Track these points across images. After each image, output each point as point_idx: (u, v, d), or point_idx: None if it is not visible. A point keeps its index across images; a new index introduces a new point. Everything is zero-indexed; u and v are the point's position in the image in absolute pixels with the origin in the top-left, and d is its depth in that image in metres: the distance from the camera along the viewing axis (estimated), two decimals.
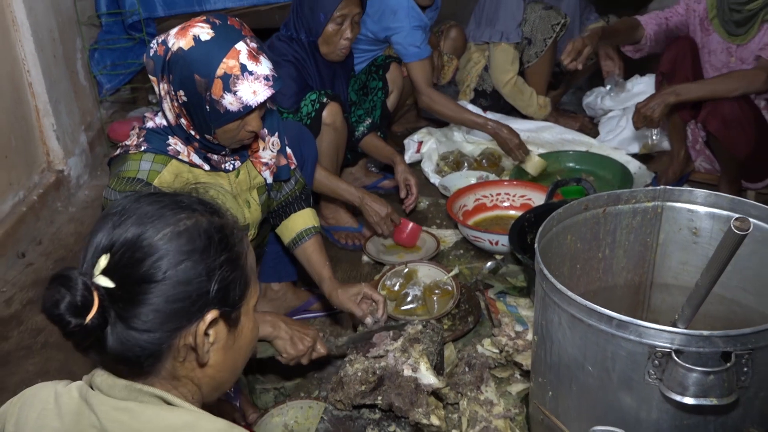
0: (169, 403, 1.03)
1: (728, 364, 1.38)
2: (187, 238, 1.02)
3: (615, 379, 1.50)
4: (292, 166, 2.13)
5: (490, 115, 3.43)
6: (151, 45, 1.78)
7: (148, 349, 1.01)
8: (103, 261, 0.99)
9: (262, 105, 1.77)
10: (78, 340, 0.99)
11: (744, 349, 1.39)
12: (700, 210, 1.85)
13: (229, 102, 1.72)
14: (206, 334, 1.04)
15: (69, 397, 1.06)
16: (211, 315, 1.03)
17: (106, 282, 0.98)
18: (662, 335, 1.41)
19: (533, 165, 3.06)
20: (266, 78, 1.73)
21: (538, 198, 2.84)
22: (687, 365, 1.39)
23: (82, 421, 1.03)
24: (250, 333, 1.14)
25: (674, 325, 1.52)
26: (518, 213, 2.82)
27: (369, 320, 1.99)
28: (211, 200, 1.12)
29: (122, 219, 1.02)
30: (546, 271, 1.58)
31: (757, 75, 2.62)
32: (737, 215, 1.37)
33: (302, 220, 2.15)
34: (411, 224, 2.70)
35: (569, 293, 1.51)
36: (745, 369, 1.42)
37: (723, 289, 1.89)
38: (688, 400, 1.40)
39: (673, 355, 1.40)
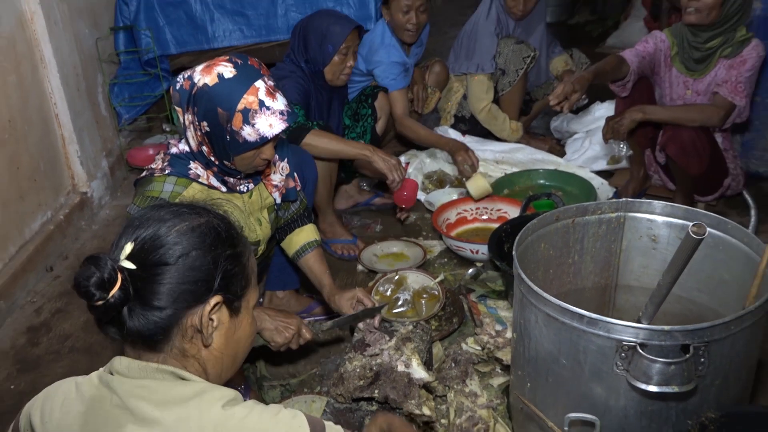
0: (181, 378, 1.06)
1: (687, 356, 1.39)
2: (198, 233, 1.08)
3: (586, 371, 1.50)
4: (298, 188, 2.12)
5: (468, 138, 3.44)
6: (177, 79, 1.78)
7: (160, 323, 1.05)
8: (128, 248, 1.05)
9: (275, 136, 1.78)
10: (101, 313, 1.03)
11: (701, 342, 1.40)
12: (658, 219, 1.86)
13: (248, 133, 1.72)
14: (210, 318, 1.08)
15: (89, 384, 1.09)
16: (215, 299, 1.08)
17: (129, 264, 1.04)
18: (628, 331, 1.42)
19: (475, 186, 2.87)
20: (281, 113, 1.74)
21: (513, 211, 2.84)
22: (651, 357, 1.39)
23: (104, 402, 1.05)
24: (248, 327, 1.18)
25: (639, 322, 1.53)
26: (495, 225, 2.81)
27: (361, 324, 1.98)
28: (222, 210, 1.18)
29: (144, 220, 1.09)
30: (523, 275, 1.58)
31: (715, 112, 2.60)
32: (693, 222, 1.37)
33: (305, 234, 2.14)
34: (408, 181, 2.68)
35: (545, 294, 1.52)
36: (702, 360, 1.42)
37: (680, 289, 1.89)
38: (652, 388, 1.41)
39: (638, 348, 1.40)
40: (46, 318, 2.55)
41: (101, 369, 1.11)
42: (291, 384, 2.11)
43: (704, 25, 2.60)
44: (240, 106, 1.70)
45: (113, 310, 1.02)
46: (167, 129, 3.86)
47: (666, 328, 1.39)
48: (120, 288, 1.01)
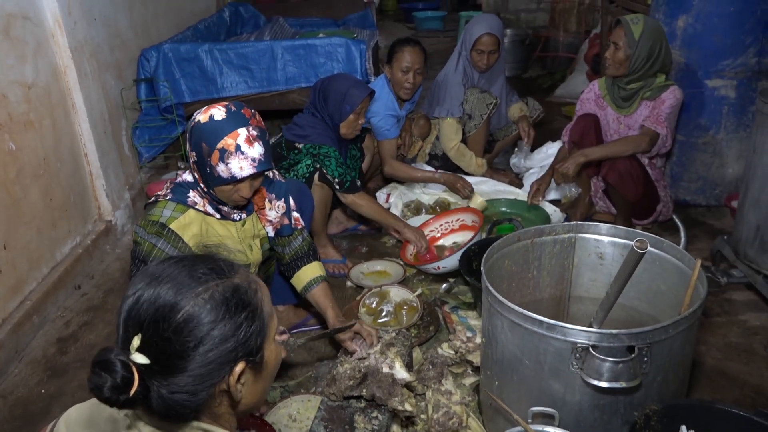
0: None
1: (632, 356, 1.38)
2: (207, 310, 0.90)
3: (546, 370, 1.49)
4: (299, 226, 2.06)
5: (440, 173, 3.44)
6: (192, 117, 1.76)
7: (189, 405, 0.91)
8: (136, 341, 0.88)
9: (256, 176, 1.74)
10: (127, 406, 0.88)
11: (644, 344, 1.39)
12: (604, 239, 1.86)
13: (222, 170, 1.68)
14: (239, 382, 0.95)
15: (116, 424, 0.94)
16: (239, 368, 0.93)
17: (142, 359, 0.87)
18: (582, 334, 1.41)
19: (476, 203, 3.06)
20: (254, 159, 1.69)
21: (468, 218, 2.88)
22: (601, 357, 1.38)
23: None
24: (273, 360, 1.02)
25: (590, 326, 1.51)
26: (459, 234, 2.88)
27: (357, 354, 1.89)
28: (222, 262, 0.98)
29: (141, 296, 0.91)
30: (491, 287, 1.56)
31: (642, 139, 2.65)
32: (636, 239, 1.37)
33: (311, 271, 2.06)
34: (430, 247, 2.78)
35: (509, 303, 1.50)
36: (646, 359, 1.41)
37: (624, 299, 1.88)
38: (604, 384, 1.39)
39: (591, 349, 1.39)
40: (74, 330, 2.47)
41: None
42: (289, 385, 2.06)
43: (620, 76, 2.74)
44: (219, 145, 1.67)
45: (139, 402, 0.87)
46: (182, 166, 3.82)
47: (614, 331, 1.38)
48: (139, 385, 0.85)
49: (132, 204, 3.35)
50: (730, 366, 2.05)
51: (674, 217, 2.07)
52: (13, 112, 2.46)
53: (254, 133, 1.70)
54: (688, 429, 1.37)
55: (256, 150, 1.70)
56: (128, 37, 3.62)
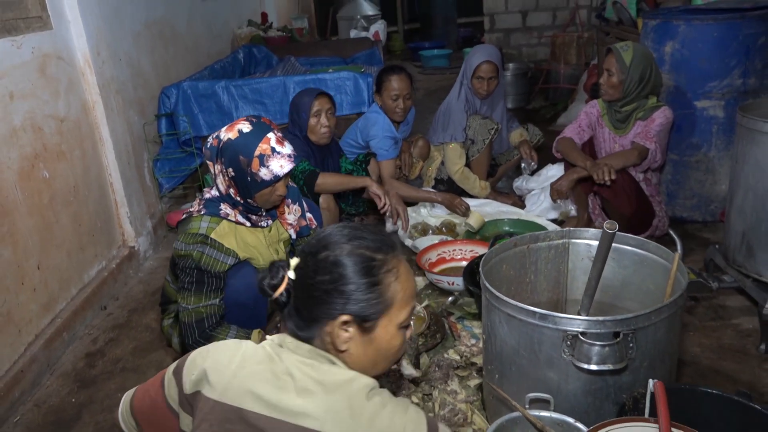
0: (333, 363, 1.13)
1: (618, 339, 1.48)
2: (343, 264, 1.13)
3: (541, 359, 1.58)
4: (313, 226, 2.22)
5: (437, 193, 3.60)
6: (208, 140, 1.92)
7: (306, 320, 1.15)
8: (293, 261, 1.19)
9: (286, 175, 1.91)
10: (276, 305, 1.20)
11: (629, 330, 1.49)
12: (594, 244, 1.94)
13: (264, 173, 1.84)
14: (345, 330, 1.13)
15: (260, 348, 1.17)
16: (344, 317, 1.12)
17: (292, 275, 1.18)
18: (572, 322, 1.51)
19: (474, 219, 3.17)
20: (289, 156, 1.87)
21: (482, 250, 2.95)
22: (589, 342, 1.48)
23: (276, 366, 1.12)
24: (387, 342, 1.16)
25: (578, 315, 1.63)
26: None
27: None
28: (385, 238, 1.19)
29: (318, 240, 1.18)
30: (488, 285, 1.67)
31: (632, 153, 2.78)
32: (606, 222, 1.50)
33: None
34: None
35: (505, 298, 1.60)
36: (631, 345, 1.50)
37: (616, 299, 1.99)
38: (593, 367, 1.49)
39: (580, 336, 1.49)
40: (101, 346, 2.60)
41: (269, 340, 1.19)
42: None
43: (615, 100, 2.88)
44: (257, 153, 1.83)
45: (282, 305, 1.18)
46: (199, 197, 3.98)
47: (600, 318, 1.49)
48: (284, 291, 1.17)
49: (153, 231, 3.51)
50: (724, 365, 2.14)
51: (670, 231, 2.18)
52: (47, 143, 2.65)
53: (279, 134, 1.89)
54: (673, 413, 1.47)
55: (288, 148, 1.88)
56: (150, 76, 3.85)
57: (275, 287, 1.18)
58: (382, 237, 1.19)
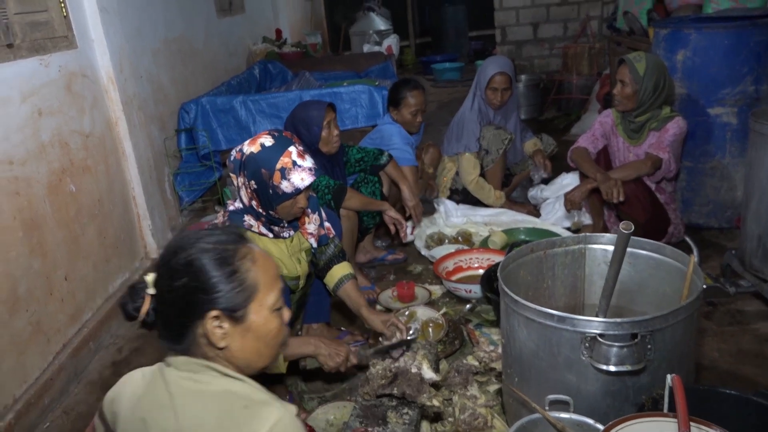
0: (216, 371, 1.12)
1: (636, 341, 1.50)
2: (197, 263, 1.10)
3: (560, 361, 1.60)
4: (331, 235, 2.26)
5: (461, 206, 3.62)
6: (231, 153, 1.97)
7: (177, 331, 1.12)
8: (150, 276, 1.16)
9: (307, 188, 1.95)
10: (147, 327, 1.18)
11: (646, 331, 1.51)
12: (611, 248, 1.94)
13: (285, 186, 1.88)
14: (219, 327, 1.10)
15: (150, 371, 1.18)
16: (213, 313, 1.10)
17: (152, 291, 1.15)
18: (590, 324, 1.53)
19: (499, 237, 3.21)
20: (310, 169, 1.91)
21: (498, 259, 2.97)
22: (608, 343, 1.50)
23: (157, 386, 1.13)
24: (263, 327, 1.15)
25: (597, 317, 1.65)
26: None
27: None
28: (235, 231, 1.18)
29: (167, 248, 1.17)
30: (507, 289, 1.70)
31: (644, 163, 2.80)
32: (622, 222, 1.53)
33: (341, 269, 2.25)
34: (408, 285, 2.83)
35: (523, 301, 1.63)
36: (649, 346, 1.53)
37: (633, 304, 2.01)
38: (611, 368, 1.51)
39: (598, 338, 1.51)
40: (126, 355, 2.66)
41: (161, 363, 1.17)
42: (326, 396, 2.20)
43: (629, 110, 2.90)
44: (279, 166, 1.87)
45: (152, 324, 1.16)
46: (217, 209, 4.05)
47: (618, 320, 1.51)
48: (149, 309, 1.15)
49: None
50: (743, 369, 2.15)
51: (686, 238, 2.19)
52: (74, 158, 2.73)
53: (300, 148, 1.92)
54: (691, 414, 1.49)
55: (309, 161, 1.92)
56: (170, 93, 3.94)
57: (139, 308, 1.15)
58: (227, 230, 1.19)
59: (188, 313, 1.11)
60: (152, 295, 1.14)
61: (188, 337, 1.12)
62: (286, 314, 1.21)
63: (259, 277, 1.14)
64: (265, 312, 1.15)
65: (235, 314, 1.11)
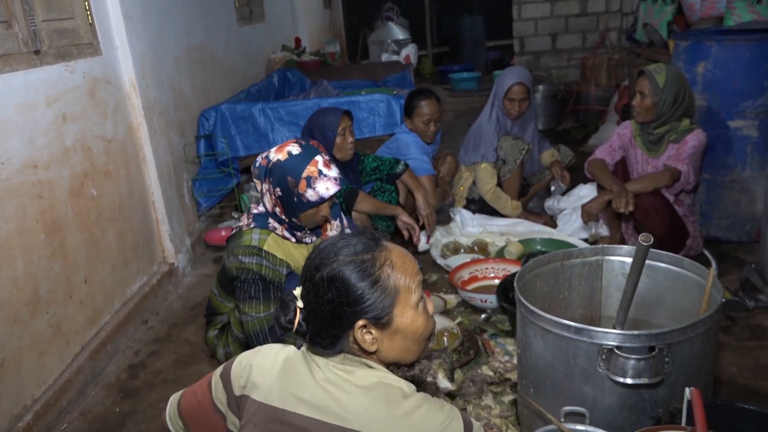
0: (369, 366, 1.19)
1: (653, 354, 1.50)
2: (340, 277, 1.14)
3: (577, 374, 1.59)
4: None
5: (478, 215, 3.62)
6: (257, 160, 1.99)
7: (329, 340, 1.18)
8: (298, 290, 1.23)
9: (332, 197, 1.96)
10: (300, 336, 1.24)
11: (664, 344, 1.51)
12: (628, 260, 1.96)
13: (310, 195, 1.90)
14: (368, 333, 1.16)
15: (302, 355, 1.24)
16: (360, 323, 1.15)
17: (301, 304, 1.22)
18: (607, 336, 1.53)
19: (515, 247, 3.21)
20: (335, 179, 1.93)
21: (514, 269, 2.97)
22: (625, 355, 1.50)
23: (314, 370, 1.19)
24: (409, 327, 1.18)
25: (614, 328, 1.65)
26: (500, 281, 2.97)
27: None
28: (365, 236, 1.22)
29: (309, 264, 1.21)
30: (523, 299, 1.70)
31: (663, 175, 2.78)
32: (641, 234, 1.53)
33: None
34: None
35: (540, 312, 1.64)
36: (667, 359, 1.52)
37: (652, 317, 2.00)
38: (628, 381, 1.51)
39: (615, 350, 1.51)
40: (142, 358, 2.69)
41: (306, 347, 1.23)
42: None
43: (648, 122, 2.88)
44: (305, 174, 1.89)
45: (305, 333, 1.23)
46: (235, 216, 4.09)
47: (635, 332, 1.51)
48: (299, 322, 1.22)
49: (192, 249, 3.61)
50: (761, 384, 2.13)
51: (705, 251, 2.18)
52: (95, 163, 2.78)
53: (327, 157, 1.95)
54: (709, 428, 1.47)
55: (334, 171, 1.94)
56: (190, 99, 3.99)
57: (292, 321, 1.22)
58: (364, 237, 1.21)
59: (337, 325, 1.16)
60: (301, 308, 1.21)
61: (339, 344, 1.18)
62: (430, 306, 1.24)
63: (399, 280, 1.18)
64: (409, 312, 1.18)
65: (381, 321, 1.16)
